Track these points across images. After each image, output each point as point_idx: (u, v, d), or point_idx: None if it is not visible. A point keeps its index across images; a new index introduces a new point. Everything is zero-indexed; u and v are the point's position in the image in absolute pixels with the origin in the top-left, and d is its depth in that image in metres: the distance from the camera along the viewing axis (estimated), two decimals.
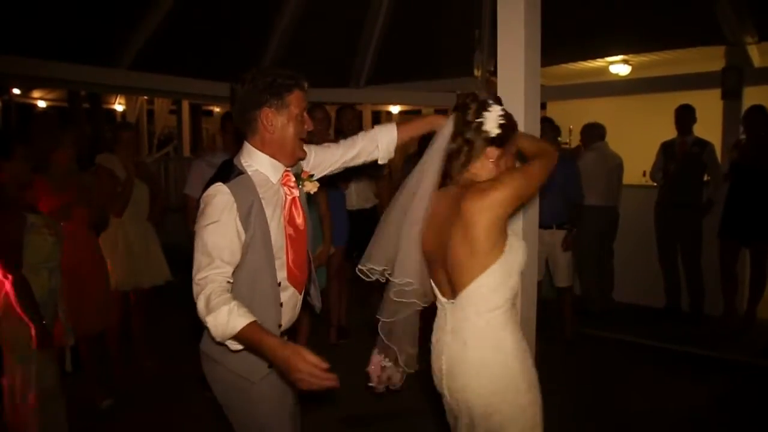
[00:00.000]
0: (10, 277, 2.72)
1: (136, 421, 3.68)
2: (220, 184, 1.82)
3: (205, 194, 1.83)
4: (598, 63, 6.92)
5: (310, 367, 1.59)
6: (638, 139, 6.77)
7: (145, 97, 11.21)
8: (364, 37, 6.66)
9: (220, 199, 1.80)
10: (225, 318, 1.68)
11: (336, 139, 2.56)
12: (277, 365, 1.69)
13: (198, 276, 1.75)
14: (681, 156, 5.32)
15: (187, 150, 10.96)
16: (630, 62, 6.82)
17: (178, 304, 4.69)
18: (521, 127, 2.55)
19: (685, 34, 5.65)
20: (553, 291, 4.91)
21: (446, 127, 1.93)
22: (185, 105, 10.84)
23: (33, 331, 2.73)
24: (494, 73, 6.20)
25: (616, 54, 6.59)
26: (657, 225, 5.56)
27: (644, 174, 6.92)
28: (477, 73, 5.94)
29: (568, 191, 4.77)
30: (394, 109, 12.19)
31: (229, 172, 1.88)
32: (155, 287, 4.31)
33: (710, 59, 5.84)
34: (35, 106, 13.83)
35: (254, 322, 1.68)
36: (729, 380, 4.21)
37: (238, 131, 1.99)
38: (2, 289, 2.75)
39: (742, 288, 5.24)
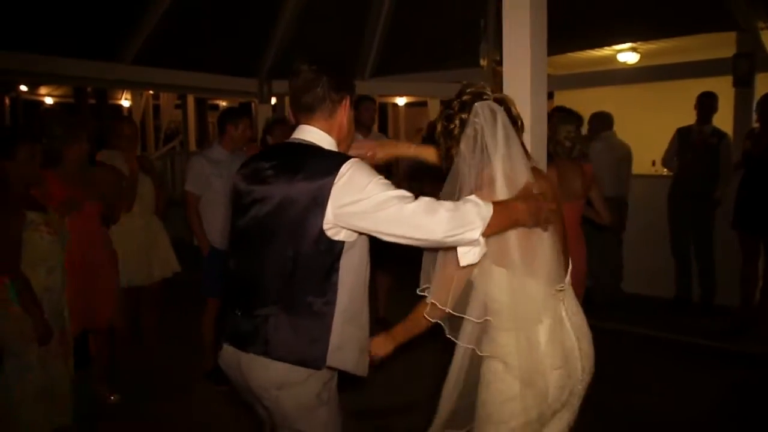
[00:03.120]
0: (8, 274, 2.71)
1: (145, 416, 3.67)
2: (354, 159, 1.78)
3: (347, 171, 1.73)
4: (606, 51, 6.84)
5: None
6: (647, 128, 6.70)
7: (151, 92, 11.21)
8: (369, 28, 6.61)
9: (364, 164, 1.79)
10: (474, 206, 1.66)
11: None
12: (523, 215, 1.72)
13: (403, 204, 1.67)
14: (698, 145, 5.25)
15: (193, 144, 10.98)
16: (638, 50, 6.74)
17: (181, 297, 4.74)
18: (528, 117, 2.53)
19: (694, 20, 5.56)
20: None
21: (502, 114, 1.81)
22: (190, 99, 10.85)
23: (34, 327, 2.74)
24: (500, 63, 6.16)
25: (624, 42, 6.51)
26: (670, 214, 5.49)
27: (653, 163, 6.87)
28: (483, 63, 5.88)
29: None
30: (401, 101, 12.15)
31: (333, 152, 1.87)
32: (164, 280, 4.31)
33: (721, 46, 5.75)
34: (42, 102, 13.89)
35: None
36: (742, 372, 4.17)
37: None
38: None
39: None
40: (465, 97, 1.84)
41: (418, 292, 1.89)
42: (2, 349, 2.75)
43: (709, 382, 3.98)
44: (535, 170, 1.88)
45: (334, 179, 1.71)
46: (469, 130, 1.80)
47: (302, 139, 1.89)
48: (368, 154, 2.16)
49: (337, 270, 1.79)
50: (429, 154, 2.21)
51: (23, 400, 2.83)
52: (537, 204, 1.73)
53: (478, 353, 1.85)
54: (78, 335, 3.45)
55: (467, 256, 1.69)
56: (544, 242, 1.81)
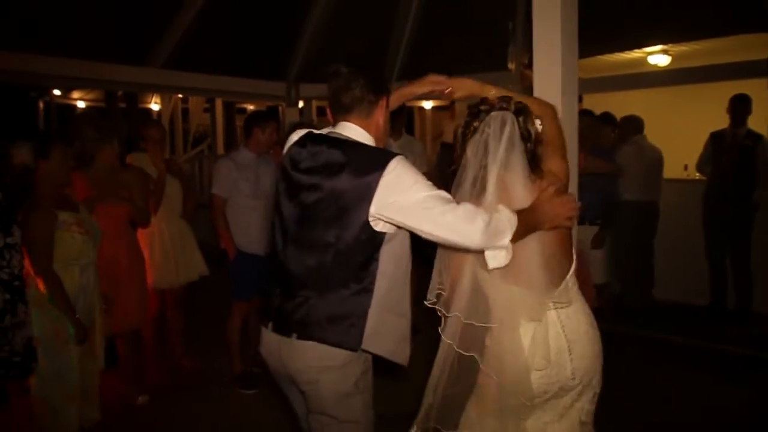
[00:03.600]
0: (41, 274, 2.75)
1: (171, 418, 3.70)
2: (400, 156, 1.86)
3: (393, 168, 1.82)
4: (636, 54, 6.72)
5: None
6: (679, 132, 6.57)
7: (180, 96, 11.35)
8: (397, 32, 6.60)
9: (409, 163, 1.86)
10: (505, 216, 1.76)
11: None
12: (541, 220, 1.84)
13: (446, 208, 1.76)
14: (732, 148, 5.13)
15: (221, 147, 11.07)
16: (669, 52, 6.61)
17: (208, 300, 4.77)
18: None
19: (727, 22, 5.43)
20: None
21: (510, 125, 1.91)
22: (219, 103, 10.95)
23: (71, 326, 2.80)
24: (528, 65, 6.10)
25: (655, 44, 6.39)
26: (705, 219, 5.38)
27: (685, 168, 6.74)
28: (511, 66, 5.83)
29: (602, 186, 4.61)
30: (427, 105, 12.11)
31: (377, 148, 1.97)
32: (190, 282, 4.33)
33: (755, 47, 5.59)
34: (75, 106, 14.15)
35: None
36: None
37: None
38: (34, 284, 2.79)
39: None
40: (483, 107, 1.95)
41: (427, 304, 1.94)
42: (38, 349, 2.77)
43: (744, 393, 3.86)
44: (547, 174, 1.96)
45: (381, 175, 1.79)
46: (477, 137, 1.92)
47: (341, 134, 1.96)
48: (446, 91, 2.17)
49: (377, 259, 1.88)
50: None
51: (58, 399, 2.88)
52: (554, 209, 1.84)
53: (455, 349, 1.89)
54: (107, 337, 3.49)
55: (496, 259, 1.77)
56: (527, 249, 1.87)
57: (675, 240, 5.63)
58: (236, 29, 5.79)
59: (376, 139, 2.00)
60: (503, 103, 1.92)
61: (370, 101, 1.95)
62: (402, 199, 1.78)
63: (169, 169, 4.14)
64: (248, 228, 3.98)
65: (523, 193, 1.88)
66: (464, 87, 2.16)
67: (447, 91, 2.16)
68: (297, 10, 6.15)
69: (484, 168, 1.89)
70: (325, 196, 1.87)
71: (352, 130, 1.96)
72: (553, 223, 1.86)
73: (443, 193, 1.79)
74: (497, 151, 1.87)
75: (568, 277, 1.98)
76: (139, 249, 3.80)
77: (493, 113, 1.91)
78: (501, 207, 1.80)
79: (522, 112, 1.93)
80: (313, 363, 1.89)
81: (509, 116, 1.90)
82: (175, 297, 4.29)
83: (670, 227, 5.60)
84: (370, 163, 1.83)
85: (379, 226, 1.84)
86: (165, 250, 4.10)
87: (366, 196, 1.80)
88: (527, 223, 1.80)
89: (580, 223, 4.46)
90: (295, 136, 2.06)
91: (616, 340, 4.64)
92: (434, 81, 2.18)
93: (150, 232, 4.02)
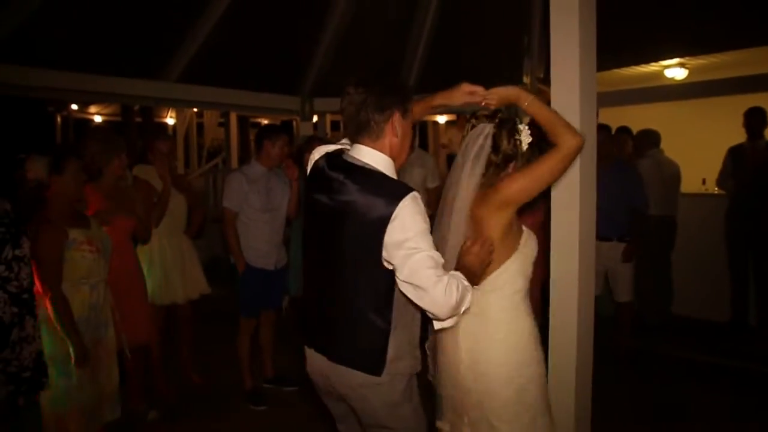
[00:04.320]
0: (49, 293, 2.73)
1: None
2: (414, 192, 1.84)
3: (401, 209, 1.81)
4: (652, 67, 6.66)
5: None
6: (696, 146, 6.48)
7: (195, 111, 11.41)
8: (411, 47, 6.59)
9: (418, 204, 1.84)
10: (466, 289, 1.82)
11: None
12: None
13: (436, 272, 1.78)
14: (752, 162, 5.05)
15: (235, 162, 11.08)
16: (686, 65, 6.55)
17: (220, 315, 4.75)
18: None
19: (745, 34, 5.36)
20: (612, 307, 4.69)
21: (483, 137, 2.06)
22: (233, 117, 10.99)
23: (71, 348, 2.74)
24: (544, 79, 6.07)
25: (672, 57, 6.33)
26: (727, 234, 5.28)
27: (704, 182, 6.64)
28: (526, 80, 5.80)
29: (630, 200, 4.55)
30: (441, 119, 12.09)
31: (391, 179, 1.93)
32: (201, 298, 4.29)
33: None
34: (92, 121, 14.28)
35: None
36: None
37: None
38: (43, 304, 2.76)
39: None
40: (473, 120, 2.10)
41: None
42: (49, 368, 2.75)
43: (766, 413, 3.75)
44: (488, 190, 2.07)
45: (391, 215, 1.79)
46: (462, 148, 2.09)
47: (358, 159, 1.95)
48: (482, 103, 2.13)
49: (392, 293, 1.91)
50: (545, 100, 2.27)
51: (70, 415, 2.84)
52: (478, 259, 1.93)
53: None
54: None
55: (447, 323, 1.89)
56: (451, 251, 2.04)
57: (693, 255, 5.54)
58: (251, 43, 5.81)
59: (395, 158, 1.97)
60: (489, 114, 2.07)
61: (376, 122, 1.91)
62: (400, 244, 1.80)
63: (177, 184, 4.11)
64: (257, 242, 3.96)
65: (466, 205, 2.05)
66: (500, 96, 2.10)
67: (483, 102, 2.12)
68: (312, 25, 6.16)
69: (458, 180, 2.04)
70: (347, 226, 1.89)
71: (367, 155, 1.94)
72: (483, 268, 1.96)
73: (437, 256, 1.81)
74: (466, 162, 2.04)
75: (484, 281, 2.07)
76: (139, 264, 3.78)
77: (481, 125, 2.05)
78: (458, 274, 1.85)
79: (504, 125, 2.06)
80: (359, 381, 1.95)
81: (489, 128, 2.05)
82: (180, 313, 4.25)
83: (689, 242, 5.51)
84: (382, 200, 1.83)
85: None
86: (165, 266, 4.05)
87: (380, 231, 1.81)
88: (470, 280, 1.89)
89: (607, 239, 4.38)
90: (317, 154, 2.09)
91: (633, 357, 4.59)
92: (468, 91, 2.13)
93: (150, 247, 3.98)
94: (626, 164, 4.92)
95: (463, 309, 1.83)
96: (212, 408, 3.99)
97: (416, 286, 1.77)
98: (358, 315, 1.93)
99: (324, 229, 1.98)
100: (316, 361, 2.06)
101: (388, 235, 1.80)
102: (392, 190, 1.84)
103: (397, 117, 1.93)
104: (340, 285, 1.95)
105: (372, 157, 1.93)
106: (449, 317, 1.83)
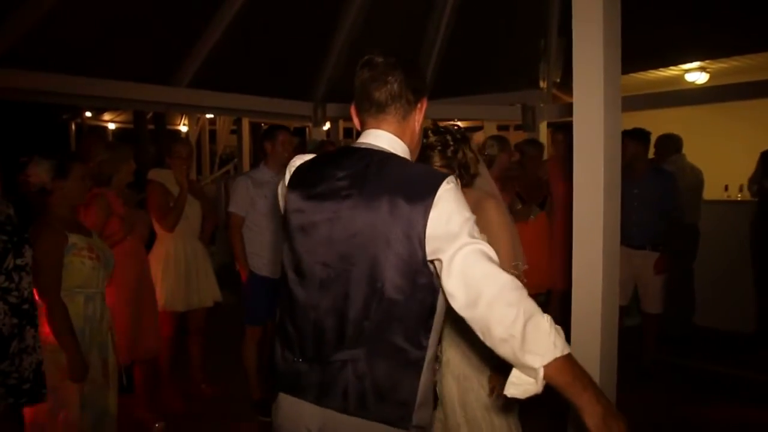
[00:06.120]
0: (46, 299, 2.62)
1: None
2: (451, 177, 1.50)
3: (443, 193, 1.45)
4: (672, 71, 6.53)
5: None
6: (719, 152, 6.33)
7: (207, 117, 11.41)
8: (425, 51, 6.51)
9: (458, 189, 1.50)
10: (548, 328, 1.34)
11: None
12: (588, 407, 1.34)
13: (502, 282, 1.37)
14: None
15: (247, 168, 11.06)
16: (707, 69, 6.41)
17: (229, 323, 4.67)
18: (600, 142, 2.36)
19: (766, 37, 5.22)
20: (638, 318, 4.55)
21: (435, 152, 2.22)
22: (245, 123, 10.97)
23: (67, 361, 2.60)
24: (561, 84, 5.95)
25: (693, 61, 6.20)
26: (754, 242, 5.12)
27: (726, 188, 6.48)
28: (542, 84, 5.70)
29: (666, 207, 4.41)
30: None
31: (421, 165, 1.79)
32: (210, 307, 4.21)
33: None
34: (105, 128, 14.34)
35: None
36: None
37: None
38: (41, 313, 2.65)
39: None
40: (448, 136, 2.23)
41: None
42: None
43: None
44: None
45: (432, 201, 1.43)
46: None
47: (372, 145, 1.60)
48: None
49: (434, 311, 1.51)
50: None
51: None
52: None
53: None
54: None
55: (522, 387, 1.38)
56: None
57: (717, 264, 5.38)
58: (263, 49, 5.76)
59: (411, 151, 1.66)
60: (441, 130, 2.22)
61: (408, 100, 1.60)
62: (446, 236, 1.43)
63: (192, 190, 4.05)
64: (263, 249, 3.87)
65: None
66: None
67: None
68: (324, 30, 6.10)
69: None
70: (359, 229, 1.51)
71: (384, 140, 1.60)
72: None
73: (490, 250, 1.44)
74: None
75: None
76: (150, 272, 3.70)
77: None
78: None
79: (461, 139, 2.24)
80: None
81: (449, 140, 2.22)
82: (192, 321, 4.16)
83: (712, 251, 5.35)
84: (417, 188, 1.47)
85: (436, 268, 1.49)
86: (178, 271, 3.96)
87: (417, 228, 1.45)
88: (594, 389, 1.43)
89: (640, 247, 4.23)
90: (298, 161, 1.73)
91: (655, 369, 4.44)
92: None
93: (165, 252, 3.92)
94: (662, 170, 4.76)
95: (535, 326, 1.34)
96: (220, 418, 3.91)
97: (472, 286, 1.36)
98: (382, 342, 1.49)
99: (333, 237, 1.53)
100: (301, 414, 1.58)
101: (431, 227, 1.42)
102: (426, 177, 1.50)
103: (423, 105, 1.66)
104: (357, 306, 1.49)
105: (389, 141, 1.60)
106: (520, 351, 1.33)
